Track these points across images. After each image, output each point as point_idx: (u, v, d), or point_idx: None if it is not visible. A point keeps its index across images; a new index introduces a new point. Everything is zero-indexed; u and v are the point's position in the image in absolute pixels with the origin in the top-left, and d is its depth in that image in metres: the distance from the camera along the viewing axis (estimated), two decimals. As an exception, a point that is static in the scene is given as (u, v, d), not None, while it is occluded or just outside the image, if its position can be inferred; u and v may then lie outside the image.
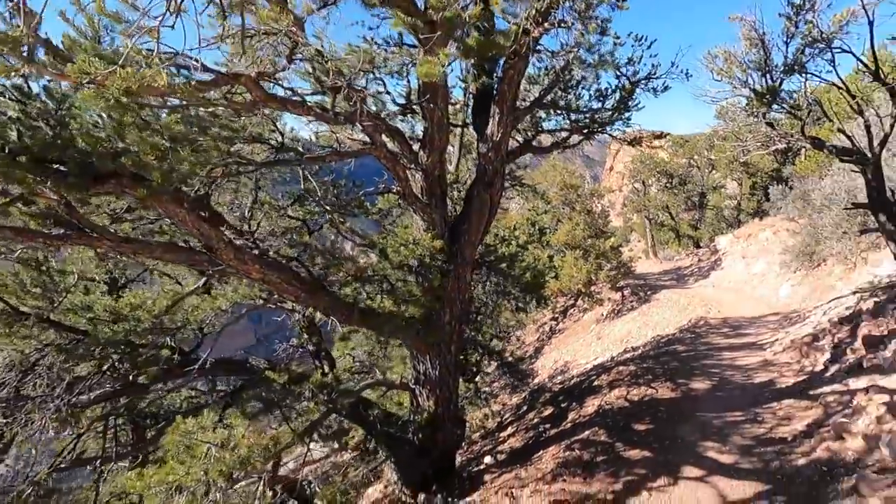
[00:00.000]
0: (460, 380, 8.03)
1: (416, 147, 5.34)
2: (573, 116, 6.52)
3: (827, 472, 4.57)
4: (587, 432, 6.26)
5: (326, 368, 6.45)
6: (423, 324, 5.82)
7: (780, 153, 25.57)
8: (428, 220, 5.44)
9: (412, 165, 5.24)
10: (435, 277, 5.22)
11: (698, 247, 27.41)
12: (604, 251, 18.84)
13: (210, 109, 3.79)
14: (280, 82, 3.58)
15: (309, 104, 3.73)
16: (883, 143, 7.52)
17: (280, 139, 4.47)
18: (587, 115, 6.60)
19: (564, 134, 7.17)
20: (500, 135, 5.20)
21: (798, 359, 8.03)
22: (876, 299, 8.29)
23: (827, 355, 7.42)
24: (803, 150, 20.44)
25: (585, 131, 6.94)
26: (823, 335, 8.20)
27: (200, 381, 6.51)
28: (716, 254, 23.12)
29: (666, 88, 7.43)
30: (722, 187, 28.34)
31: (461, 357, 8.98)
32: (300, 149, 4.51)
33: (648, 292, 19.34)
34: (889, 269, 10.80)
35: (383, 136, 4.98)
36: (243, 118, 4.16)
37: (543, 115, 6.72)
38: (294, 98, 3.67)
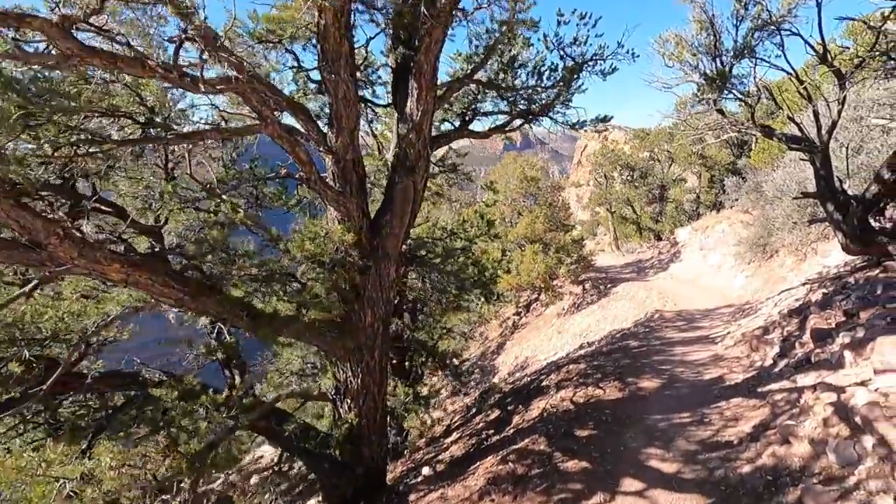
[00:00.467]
0: (399, 385, 7.46)
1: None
2: (510, 97, 5.97)
3: (772, 482, 4.21)
4: (527, 440, 5.77)
5: (238, 379, 5.73)
6: (340, 327, 5.18)
7: (736, 146, 26.01)
8: (343, 211, 4.79)
9: (321, 148, 4.58)
10: (344, 275, 4.59)
11: (659, 239, 27.67)
12: (564, 245, 18.57)
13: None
14: (110, 34, 2.86)
15: (151, 63, 3.00)
16: (830, 130, 7.31)
17: (148, 113, 3.72)
18: (525, 97, 6.08)
19: (506, 119, 6.65)
20: (419, 113, 4.59)
21: (748, 353, 7.79)
22: (824, 290, 8.14)
23: (776, 349, 7.18)
24: (756, 142, 20.73)
25: (526, 115, 6.43)
26: (773, 328, 8.00)
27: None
28: (675, 246, 23.29)
29: (614, 70, 6.99)
30: (682, 180, 28.69)
31: (401, 360, 8.43)
32: (174, 125, 3.77)
33: (609, 285, 19.23)
34: (837, 260, 10.80)
35: (282, 112, 4.29)
36: (92, 87, 3.39)
37: (478, 95, 6.15)
38: (129, 54, 2.94)
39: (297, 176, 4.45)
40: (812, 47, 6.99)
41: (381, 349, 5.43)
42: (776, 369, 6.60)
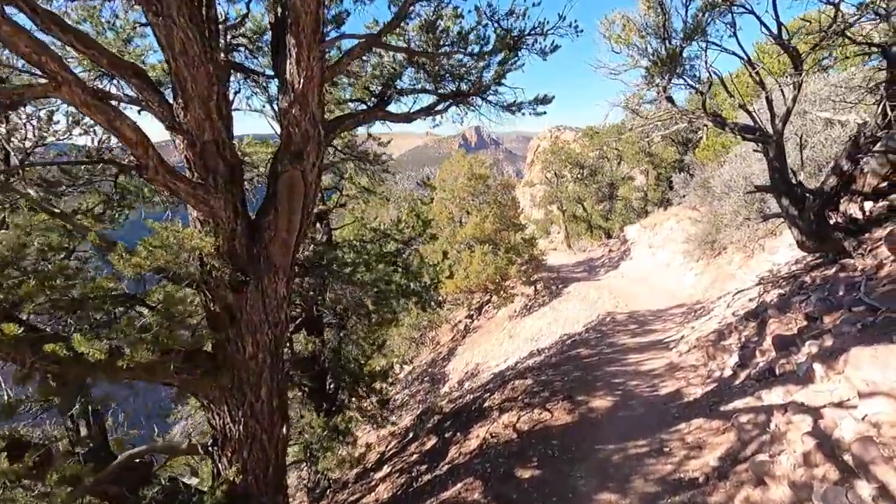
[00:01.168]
0: (314, 417, 6.28)
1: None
2: (436, 71, 4.95)
3: (749, 541, 3.43)
4: (459, 486, 4.77)
5: (84, 430, 4.38)
6: (211, 360, 3.98)
7: (681, 144, 26.37)
8: (204, 210, 3.61)
9: (166, 124, 3.37)
10: (208, 294, 3.42)
11: (609, 237, 27.68)
12: (515, 245, 17.85)
13: None
14: None
15: None
16: (785, 119, 6.78)
17: None
18: (454, 74, 5.08)
19: (433, 100, 5.61)
20: (301, 80, 3.47)
21: (705, 361, 7.16)
22: (780, 291, 7.64)
23: (735, 358, 6.55)
24: (703, 137, 20.86)
25: (456, 96, 5.43)
26: (729, 332, 7.42)
27: None
28: (625, 244, 23.19)
29: (555, 48, 6.10)
30: (630, 178, 28.87)
31: (321, 387, 7.23)
32: None
33: (560, 286, 18.71)
34: (787, 256, 10.55)
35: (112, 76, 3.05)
36: None
37: (398, 70, 5.08)
38: None
39: (125, 162, 3.24)
40: (765, 26, 6.41)
41: (270, 385, 4.26)
42: (737, 381, 5.95)
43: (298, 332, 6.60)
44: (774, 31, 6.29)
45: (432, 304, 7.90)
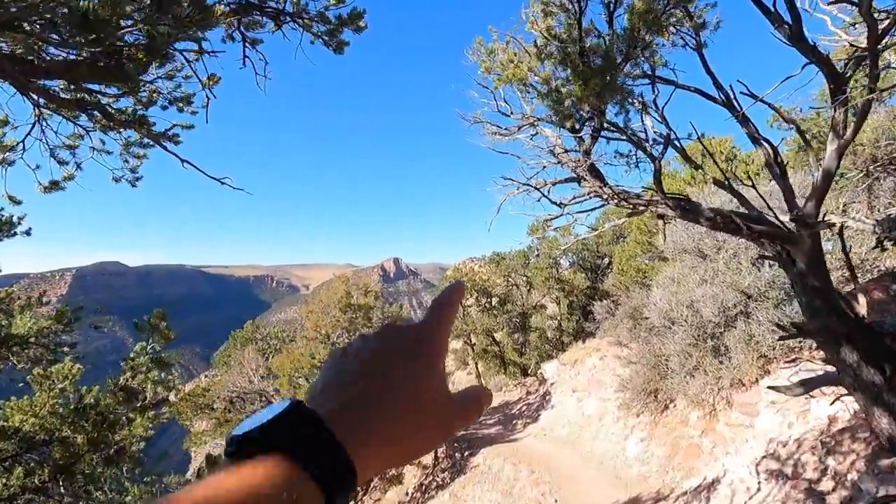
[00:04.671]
0: None
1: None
2: None
3: None
4: None
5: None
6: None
7: (590, 270, 24.74)
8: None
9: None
10: None
11: (526, 375, 23.89)
12: (402, 398, 13.09)
13: None
14: None
15: None
16: (822, 192, 3.60)
17: None
18: None
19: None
20: None
21: None
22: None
23: None
24: (610, 262, 18.90)
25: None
26: None
27: None
28: (544, 384, 19.34)
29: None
30: (542, 307, 26.34)
31: None
32: None
33: (466, 453, 13.84)
34: (772, 422, 7.09)
35: None
36: None
37: None
38: None
39: None
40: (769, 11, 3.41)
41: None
42: None
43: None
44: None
45: None
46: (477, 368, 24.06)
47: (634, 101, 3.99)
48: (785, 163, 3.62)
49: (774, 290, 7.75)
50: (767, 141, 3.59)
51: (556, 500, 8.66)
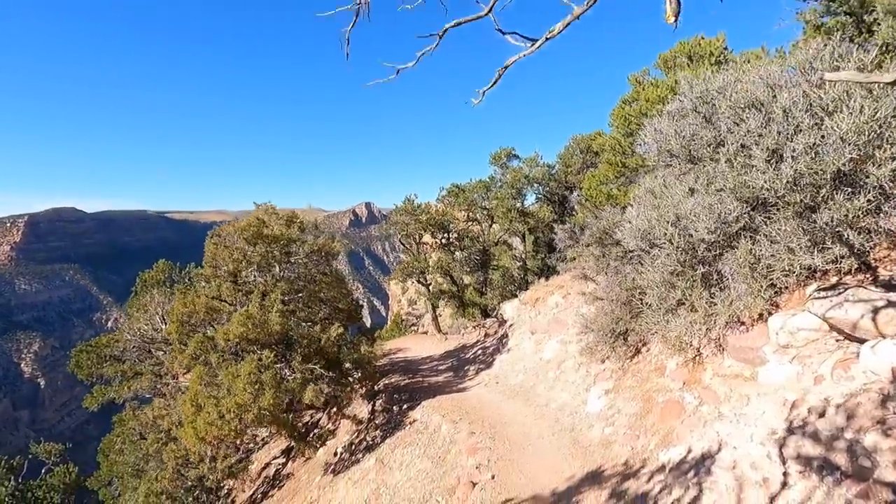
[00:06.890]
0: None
1: None
2: None
3: None
4: None
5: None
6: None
7: (557, 203, 22.47)
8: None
9: None
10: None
11: (486, 316, 22.07)
12: (324, 346, 10.87)
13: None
14: None
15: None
16: None
17: None
18: None
19: None
20: None
21: None
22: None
23: None
24: (583, 190, 16.60)
25: None
26: None
27: None
28: (503, 326, 17.49)
29: None
30: (507, 244, 24.19)
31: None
32: None
33: (405, 406, 11.87)
34: (785, 376, 5.01)
35: None
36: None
37: None
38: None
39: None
40: None
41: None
42: None
43: None
44: None
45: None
46: (433, 311, 22.05)
47: None
48: None
49: (798, 193, 5.43)
50: None
51: (492, 476, 6.64)
